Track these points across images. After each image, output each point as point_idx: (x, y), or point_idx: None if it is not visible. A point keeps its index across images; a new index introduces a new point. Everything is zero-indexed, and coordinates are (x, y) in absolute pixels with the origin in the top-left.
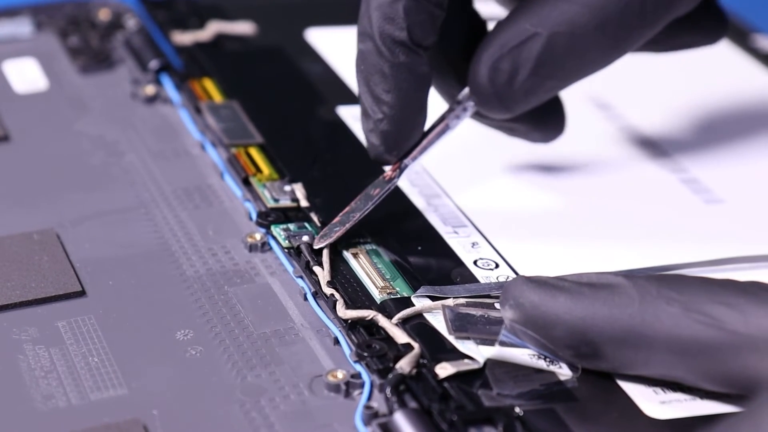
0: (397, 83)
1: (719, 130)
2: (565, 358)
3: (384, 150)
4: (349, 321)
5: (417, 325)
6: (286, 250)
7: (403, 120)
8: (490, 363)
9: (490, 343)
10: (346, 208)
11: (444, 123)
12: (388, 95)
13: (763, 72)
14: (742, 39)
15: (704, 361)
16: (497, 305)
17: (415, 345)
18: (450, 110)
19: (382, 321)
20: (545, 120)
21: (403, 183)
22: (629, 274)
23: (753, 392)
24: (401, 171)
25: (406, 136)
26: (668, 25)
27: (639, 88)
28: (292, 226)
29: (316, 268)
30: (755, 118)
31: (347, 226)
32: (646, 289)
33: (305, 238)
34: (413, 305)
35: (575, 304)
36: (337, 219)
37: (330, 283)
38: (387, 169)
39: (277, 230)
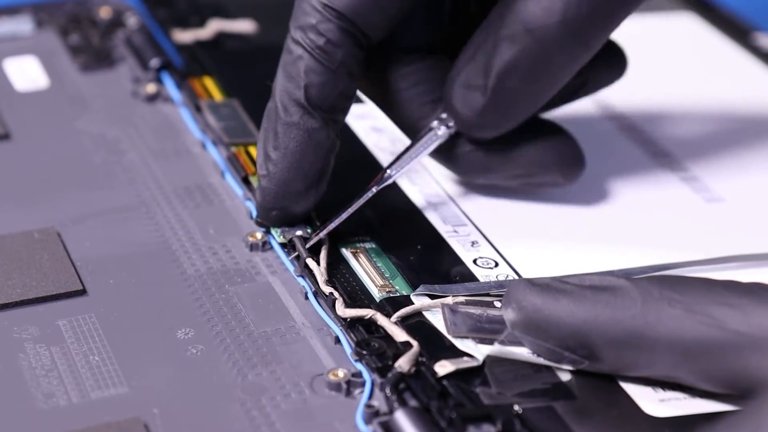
0: (284, 142)
1: (720, 128)
2: (566, 362)
3: (262, 207)
4: (348, 319)
5: (416, 324)
6: (286, 249)
7: (284, 180)
8: (490, 361)
9: (489, 341)
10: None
11: (428, 136)
12: (275, 153)
13: (763, 70)
14: (743, 37)
15: (707, 362)
16: (497, 304)
17: (414, 343)
18: (431, 128)
19: (381, 319)
20: (605, 61)
21: (403, 181)
22: (631, 276)
23: (754, 393)
24: (383, 180)
25: (285, 197)
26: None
27: (639, 87)
28: None
29: (311, 263)
30: (755, 117)
31: (328, 228)
32: (648, 290)
33: (299, 232)
34: (412, 304)
35: (577, 307)
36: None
37: (329, 282)
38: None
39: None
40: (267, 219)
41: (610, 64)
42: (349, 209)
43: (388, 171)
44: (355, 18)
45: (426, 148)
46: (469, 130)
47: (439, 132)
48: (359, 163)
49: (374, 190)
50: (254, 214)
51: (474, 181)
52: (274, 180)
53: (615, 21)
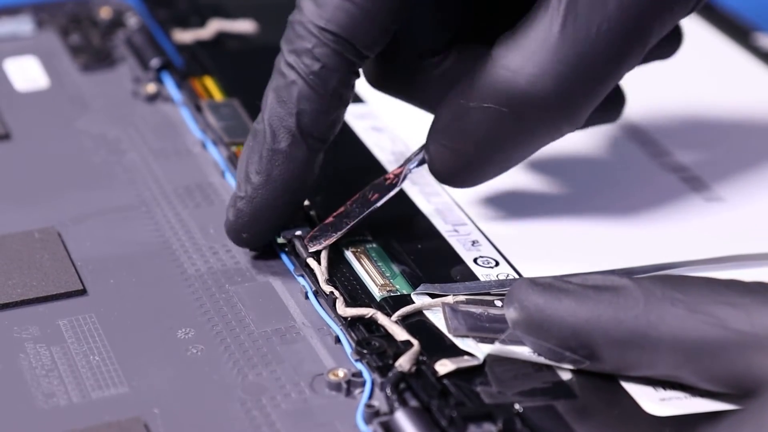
0: (268, 168)
1: (720, 128)
2: (567, 362)
3: (234, 229)
4: (349, 318)
5: (417, 323)
6: (286, 249)
7: (262, 206)
8: (490, 360)
9: (490, 340)
10: (341, 209)
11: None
12: (257, 177)
13: (763, 70)
14: (743, 37)
15: (709, 361)
16: (497, 303)
17: (415, 342)
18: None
19: (382, 318)
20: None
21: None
22: (633, 276)
23: (756, 393)
24: (404, 176)
25: (260, 222)
26: None
27: (639, 86)
28: None
29: (312, 263)
30: (755, 117)
31: (341, 232)
32: (651, 290)
33: (298, 232)
34: (413, 303)
35: (580, 307)
36: (330, 219)
37: (329, 281)
38: (390, 171)
39: None
40: (237, 241)
41: (608, 107)
42: (366, 213)
43: (408, 166)
44: (353, 38)
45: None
46: (442, 181)
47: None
48: (360, 163)
49: (397, 188)
50: None
51: None
52: (252, 204)
53: (601, 96)
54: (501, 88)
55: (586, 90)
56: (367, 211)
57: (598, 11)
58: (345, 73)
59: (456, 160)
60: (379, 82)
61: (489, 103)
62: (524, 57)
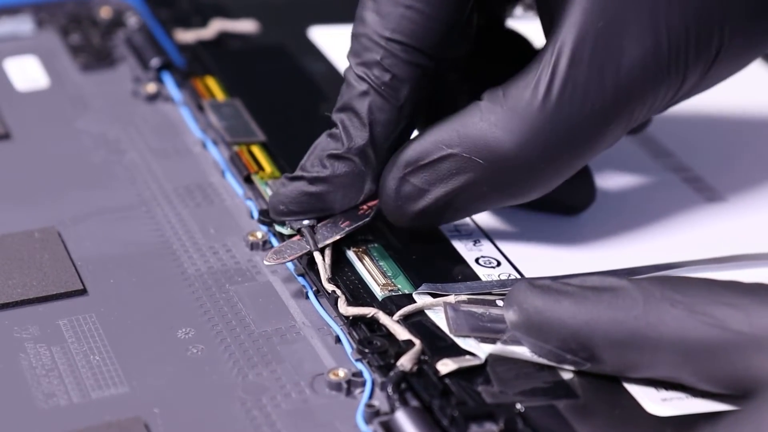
0: (333, 167)
1: (721, 128)
2: (568, 364)
3: (275, 200)
4: (351, 318)
5: (418, 322)
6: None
7: (308, 197)
8: (492, 360)
9: (492, 340)
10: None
11: None
12: (323, 170)
13: (763, 70)
14: None
15: (709, 362)
16: (499, 302)
17: (417, 342)
18: None
19: (384, 318)
20: (572, 194)
21: None
22: (633, 276)
23: (756, 393)
24: (377, 210)
25: (301, 204)
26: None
27: None
28: None
29: (317, 258)
30: (756, 117)
31: (302, 252)
32: (650, 291)
33: (306, 222)
34: (415, 302)
35: (579, 309)
36: (297, 238)
37: (331, 280)
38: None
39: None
40: (275, 211)
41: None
42: (335, 237)
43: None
44: (421, 44)
45: None
46: (393, 220)
47: None
48: None
49: (367, 219)
50: (255, 214)
51: None
52: (300, 192)
53: (576, 169)
54: (488, 145)
55: (567, 163)
56: (336, 236)
57: (595, 87)
58: (417, 80)
59: (414, 199)
60: None
61: (471, 154)
62: (518, 120)
